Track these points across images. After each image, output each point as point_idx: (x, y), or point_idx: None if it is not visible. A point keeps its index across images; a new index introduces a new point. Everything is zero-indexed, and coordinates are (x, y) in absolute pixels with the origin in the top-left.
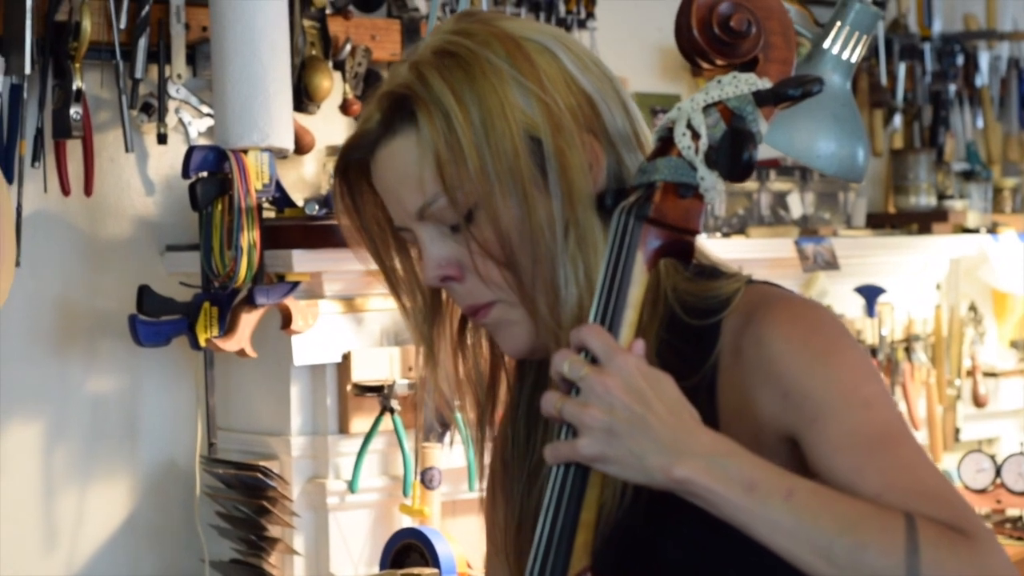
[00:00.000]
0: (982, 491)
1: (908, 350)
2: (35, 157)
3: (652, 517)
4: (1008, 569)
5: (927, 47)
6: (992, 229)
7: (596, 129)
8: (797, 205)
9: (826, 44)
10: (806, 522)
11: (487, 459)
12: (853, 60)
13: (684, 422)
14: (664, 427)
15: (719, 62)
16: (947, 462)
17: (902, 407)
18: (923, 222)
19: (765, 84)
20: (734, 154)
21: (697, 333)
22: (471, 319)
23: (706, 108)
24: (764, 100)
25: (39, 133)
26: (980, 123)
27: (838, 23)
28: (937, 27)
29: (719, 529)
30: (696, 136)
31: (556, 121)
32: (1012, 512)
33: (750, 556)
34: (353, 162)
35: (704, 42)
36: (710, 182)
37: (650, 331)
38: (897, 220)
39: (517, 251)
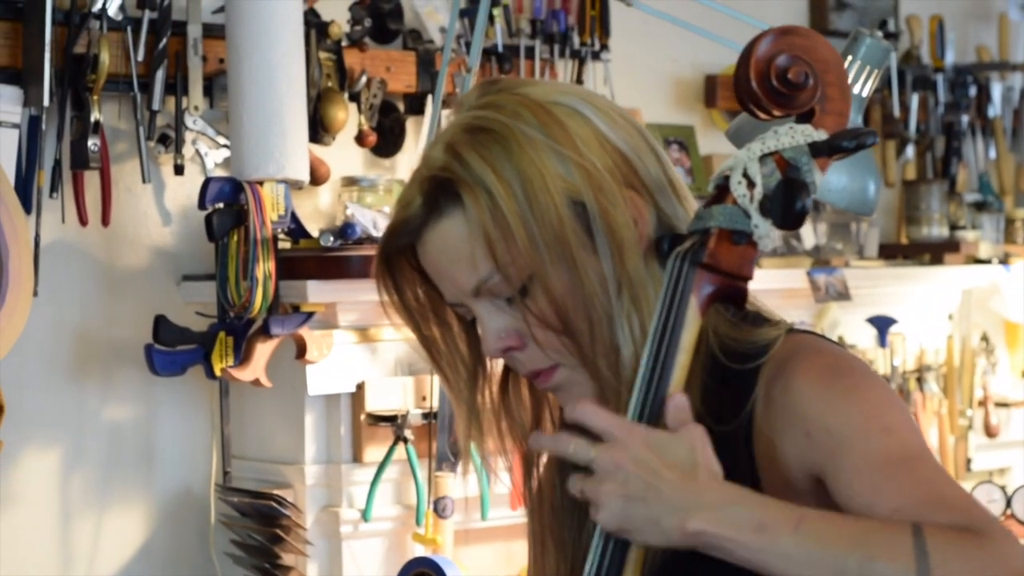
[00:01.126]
0: None
1: (920, 380)
2: (53, 188)
3: (694, 566)
4: (1021, 559)
5: (940, 78)
6: (1004, 260)
7: (635, 183)
8: (810, 236)
9: None
10: (816, 548)
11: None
12: (864, 94)
13: (693, 480)
14: (674, 489)
15: (776, 113)
16: None
17: None
18: (935, 253)
19: (821, 135)
20: (787, 203)
21: (736, 378)
22: (534, 382)
23: (762, 158)
24: (819, 151)
25: (57, 164)
26: (992, 154)
27: (849, 57)
28: (950, 58)
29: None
30: (752, 185)
31: (596, 183)
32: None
33: None
34: (397, 248)
35: (762, 93)
36: (764, 230)
37: (695, 375)
38: (909, 251)
39: (573, 317)
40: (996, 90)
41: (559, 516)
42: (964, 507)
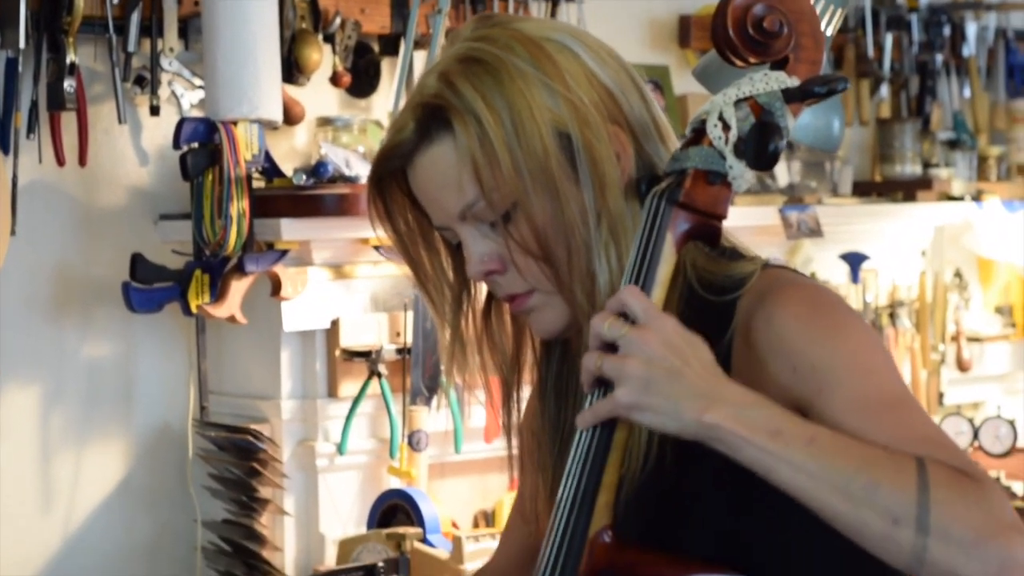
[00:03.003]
0: None
1: (893, 316)
2: (30, 129)
3: (673, 489)
4: (1010, 512)
5: (914, 18)
6: (977, 197)
7: (619, 120)
8: (784, 174)
9: None
10: (825, 463)
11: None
12: (829, 33)
13: (716, 376)
14: (698, 379)
15: (752, 60)
16: None
17: None
18: (908, 190)
19: (794, 82)
20: (760, 146)
21: (714, 310)
22: (511, 306)
23: (737, 102)
24: (792, 97)
25: (34, 105)
26: (967, 93)
27: None
28: None
29: (739, 500)
30: (727, 128)
31: (582, 116)
32: (991, 474)
33: (772, 524)
34: (388, 171)
35: (739, 41)
36: (738, 171)
37: (671, 306)
38: (883, 188)
39: (553, 244)
40: (971, 30)
41: (539, 440)
42: (955, 452)
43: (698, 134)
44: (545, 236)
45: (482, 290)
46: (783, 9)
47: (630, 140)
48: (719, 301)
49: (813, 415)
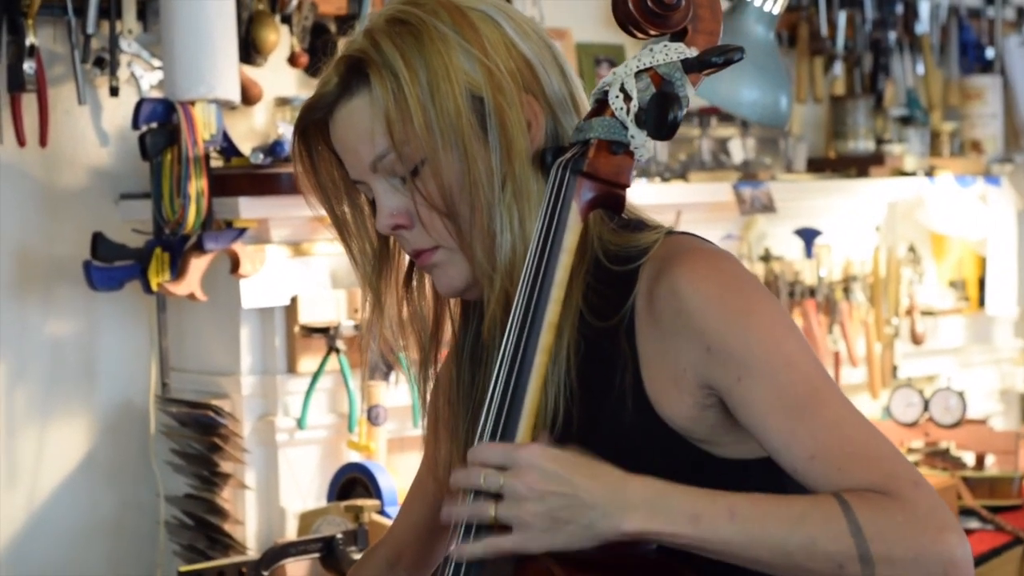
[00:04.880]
0: (912, 424)
1: (847, 290)
2: None
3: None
4: (938, 512)
5: None
6: (929, 172)
7: (535, 91)
8: (738, 151)
9: None
10: (756, 533)
11: (429, 398)
12: (775, 12)
13: (608, 480)
14: (595, 494)
15: (652, 32)
16: (884, 398)
17: (841, 346)
18: (862, 166)
19: (692, 53)
20: (660, 115)
21: (618, 278)
22: (415, 262)
23: (638, 73)
24: (691, 67)
25: None
26: (920, 70)
27: None
28: None
29: (647, 465)
30: (628, 99)
31: (497, 82)
32: (941, 445)
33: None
34: (312, 122)
35: (638, 13)
36: (639, 140)
37: (578, 275)
38: (837, 165)
39: (457, 201)
40: (924, 7)
41: (454, 408)
42: (877, 457)
43: (601, 105)
44: (450, 193)
45: (405, 258)
46: None
47: (544, 111)
48: (623, 271)
49: (731, 402)
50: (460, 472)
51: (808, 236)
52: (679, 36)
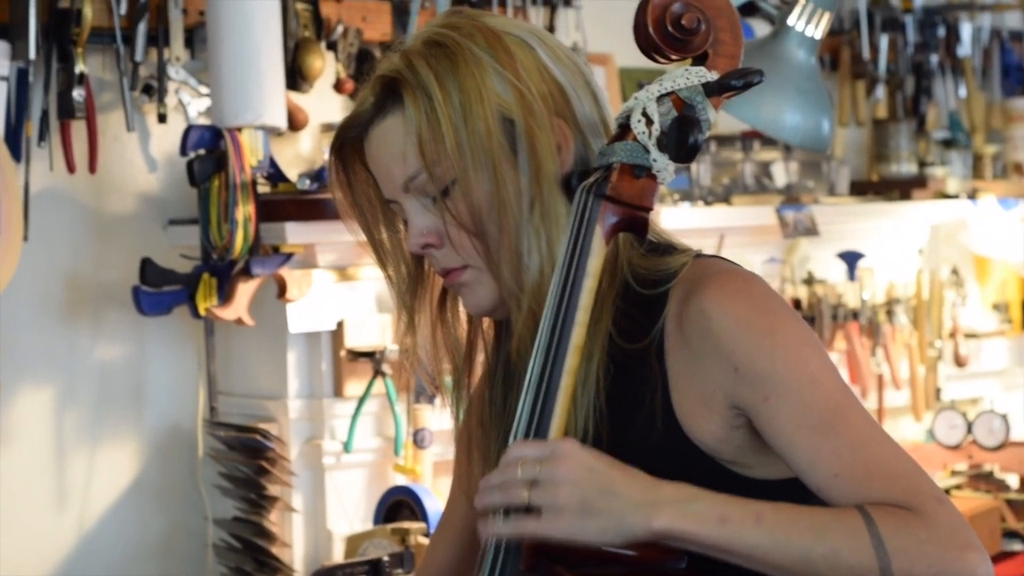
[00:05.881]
0: (955, 447)
1: (890, 313)
2: (41, 137)
3: None
4: (961, 531)
5: (909, 19)
6: (972, 195)
7: (566, 115)
8: (781, 174)
9: (791, 21)
10: (780, 539)
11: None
12: (817, 36)
13: (642, 479)
14: (629, 488)
15: (673, 57)
16: (927, 421)
17: (884, 369)
18: (904, 189)
19: (713, 76)
20: (681, 138)
21: (648, 302)
22: (444, 281)
23: (660, 98)
24: (712, 91)
25: (45, 114)
26: (963, 93)
27: (802, 0)
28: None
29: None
30: (650, 122)
31: (528, 105)
32: (984, 467)
33: None
34: (348, 141)
35: (659, 39)
36: (661, 164)
37: (608, 299)
38: (879, 188)
39: (487, 222)
40: (965, 30)
41: (486, 430)
42: (901, 474)
43: (624, 129)
44: (480, 213)
45: (439, 281)
46: (700, 6)
47: (575, 135)
48: (652, 294)
49: (758, 421)
50: (495, 471)
51: (851, 259)
52: (700, 60)
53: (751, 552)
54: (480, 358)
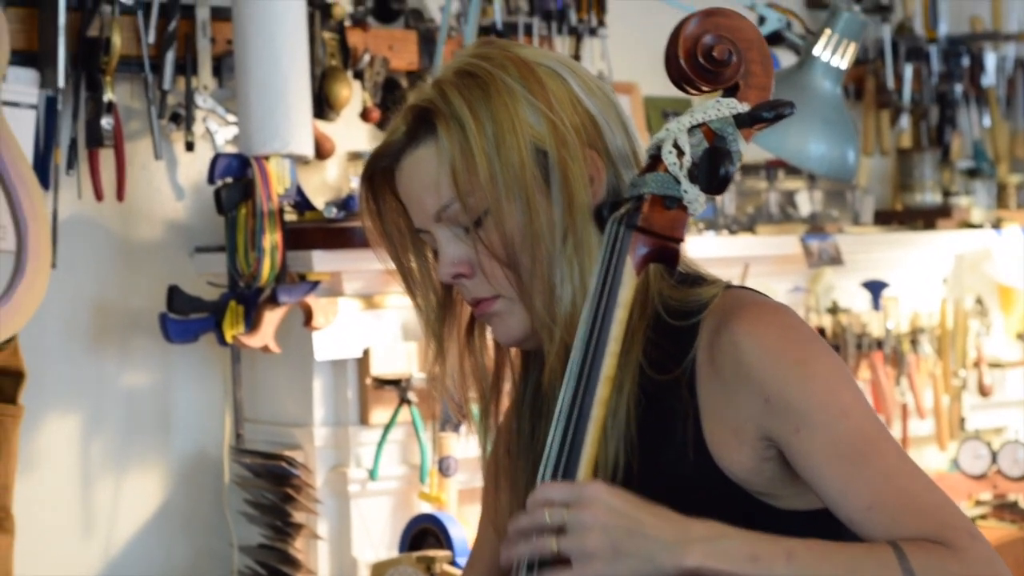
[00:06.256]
0: (980, 477)
1: (914, 342)
2: (70, 165)
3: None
4: (993, 565)
5: (933, 49)
6: (996, 225)
7: (598, 146)
8: (806, 203)
9: (816, 51)
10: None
11: (490, 447)
12: (843, 66)
13: (671, 518)
14: (658, 528)
15: (704, 88)
16: (952, 450)
17: (908, 398)
18: (929, 219)
19: (744, 108)
20: (712, 170)
21: (679, 333)
22: (474, 311)
23: (691, 129)
24: (743, 122)
25: (73, 142)
26: (987, 122)
27: (828, 31)
28: (943, 29)
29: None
30: (681, 154)
31: (561, 136)
32: (1009, 497)
33: None
34: (379, 170)
35: (690, 70)
36: (692, 195)
37: (639, 330)
38: (904, 217)
39: (519, 252)
40: (990, 60)
41: (514, 460)
42: (933, 508)
43: (655, 160)
44: (512, 243)
45: (467, 309)
46: (732, 38)
47: (607, 166)
48: (683, 325)
49: (789, 453)
50: (522, 515)
51: (875, 288)
52: (731, 91)
53: None
54: (507, 387)
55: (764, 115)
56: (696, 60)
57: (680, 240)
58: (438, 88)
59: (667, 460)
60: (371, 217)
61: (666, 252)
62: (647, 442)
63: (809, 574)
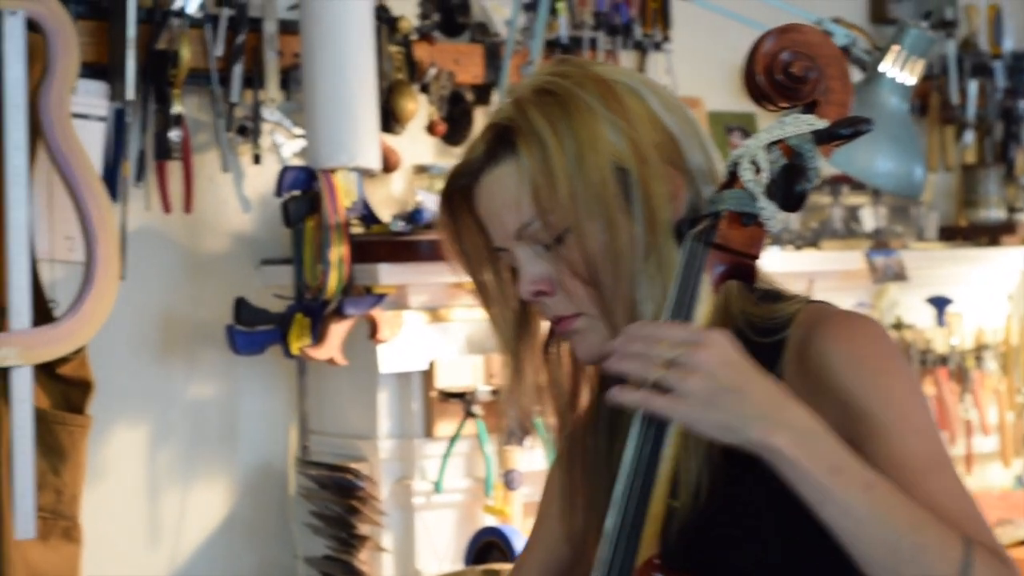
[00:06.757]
0: None
1: (979, 359)
2: (138, 177)
3: (723, 522)
4: None
5: (998, 65)
6: None
7: (678, 163)
8: (870, 219)
9: (883, 67)
10: (879, 515)
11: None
12: (910, 82)
13: (776, 393)
14: (763, 396)
15: (782, 104)
16: (1017, 467)
17: (973, 414)
18: (993, 235)
19: (822, 124)
20: (790, 187)
21: (764, 350)
22: (555, 328)
23: (769, 145)
24: (821, 139)
25: (142, 155)
26: None
27: (895, 47)
28: (1008, 45)
29: (788, 536)
30: (759, 170)
31: (642, 154)
32: None
33: (821, 562)
34: (457, 189)
35: (768, 86)
36: (770, 212)
37: None
38: (968, 233)
39: (601, 271)
40: None
41: (591, 478)
42: (986, 530)
43: (732, 177)
44: (594, 262)
45: (544, 325)
46: (811, 54)
47: (686, 184)
48: (769, 342)
49: (862, 458)
50: (639, 340)
51: (940, 304)
52: (810, 108)
53: (845, 513)
54: (583, 403)
55: (843, 132)
56: (774, 77)
57: (756, 257)
58: (517, 106)
59: (749, 472)
60: (449, 237)
61: (743, 269)
62: (732, 459)
63: (878, 511)
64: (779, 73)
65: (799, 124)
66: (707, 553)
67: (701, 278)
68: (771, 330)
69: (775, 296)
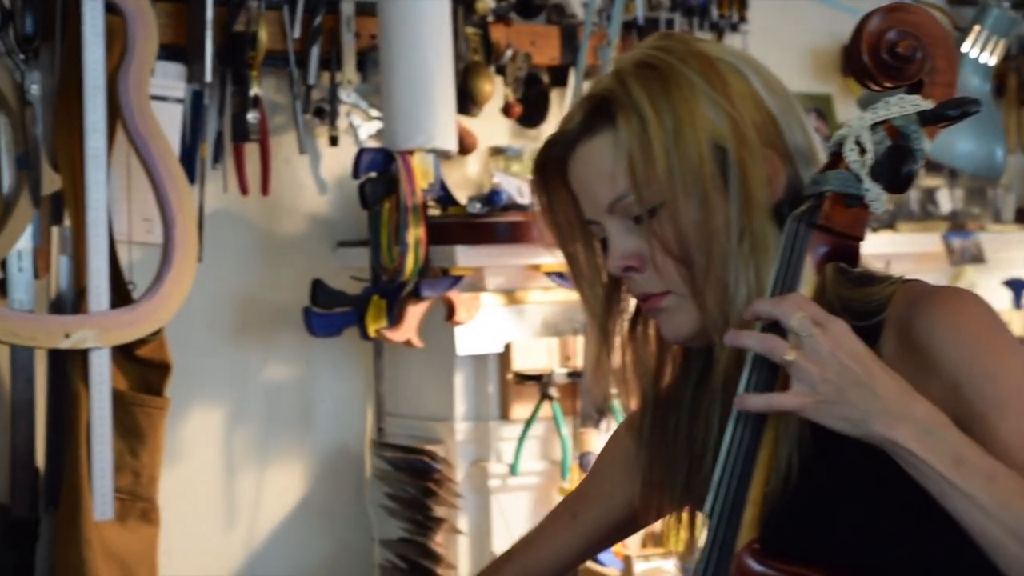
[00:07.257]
0: None
1: None
2: (216, 159)
3: (822, 505)
4: None
5: None
6: None
7: (778, 146)
8: (946, 200)
9: (965, 48)
10: (1003, 503)
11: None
12: (992, 63)
13: (903, 388)
14: (886, 391)
15: (887, 84)
16: None
17: None
18: None
19: (928, 105)
20: (895, 168)
21: (862, 332)
22: (642, 305)
23: (874, 126)
24: (927, 120)
25: (219, 136)
26: None
27: (977, 27)
28: None
29: (885, 521)
30: (863, 151)
31: (741, 134)
32: None
33: (917, 546)
34: (551, 159)
35: (873, 66)
36: (874, 193)
37: None
38: None
39: (693, 249)
40: None
41: (666, 456)
42: None
43: (835, 158)
44: (687, 239)
45: (631, 302)
46: (917, 34)
47: (785, 166)
48: (868, 325)
49: (975, 436)
50: (769, 302)
51: (1017, 287)
52: (915, 88)
53: (969, 503)
54: (666, 381)
55: (949, 113)
56: (879, 56)
57: (860, 239)
58: (618, 78)
59: (848, 456)
60: (541, 205)
61: (846, 251)
62: (828, 440)
63: (1001, 500)
64: (885, 52)
65: (904, 105)
66: (804, 537)
67: (803, 259)
68: (868, 313)
69: (869, 278)
